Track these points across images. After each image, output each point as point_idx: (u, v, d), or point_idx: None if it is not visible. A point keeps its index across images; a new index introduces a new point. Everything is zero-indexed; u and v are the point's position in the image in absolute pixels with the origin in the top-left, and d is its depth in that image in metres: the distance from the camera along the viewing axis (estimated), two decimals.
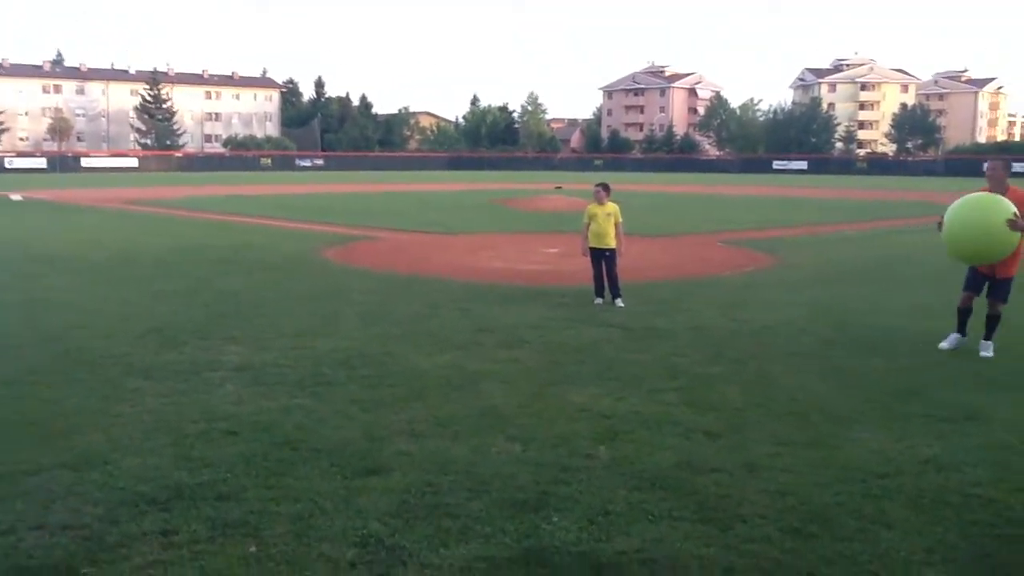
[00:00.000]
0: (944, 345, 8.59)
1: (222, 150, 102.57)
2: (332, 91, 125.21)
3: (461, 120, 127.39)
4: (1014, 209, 7.90)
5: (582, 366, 7.69)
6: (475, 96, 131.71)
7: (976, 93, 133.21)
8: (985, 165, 8.76)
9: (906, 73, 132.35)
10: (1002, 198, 8.10)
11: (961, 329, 8.63)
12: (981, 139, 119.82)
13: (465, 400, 6.57)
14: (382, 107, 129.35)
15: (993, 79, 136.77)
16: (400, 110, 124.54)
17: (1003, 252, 8.08)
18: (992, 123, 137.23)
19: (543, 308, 10.66)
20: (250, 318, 9.91)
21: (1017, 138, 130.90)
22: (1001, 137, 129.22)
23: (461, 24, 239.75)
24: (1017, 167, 79.95)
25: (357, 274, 14.08)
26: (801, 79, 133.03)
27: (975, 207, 8.21)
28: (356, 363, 7.71)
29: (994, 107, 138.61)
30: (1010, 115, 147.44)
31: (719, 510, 4.53)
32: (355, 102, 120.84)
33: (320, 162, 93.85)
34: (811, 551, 4.09)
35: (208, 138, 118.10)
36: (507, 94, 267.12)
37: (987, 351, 8.28)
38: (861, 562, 3.98)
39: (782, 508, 4.56)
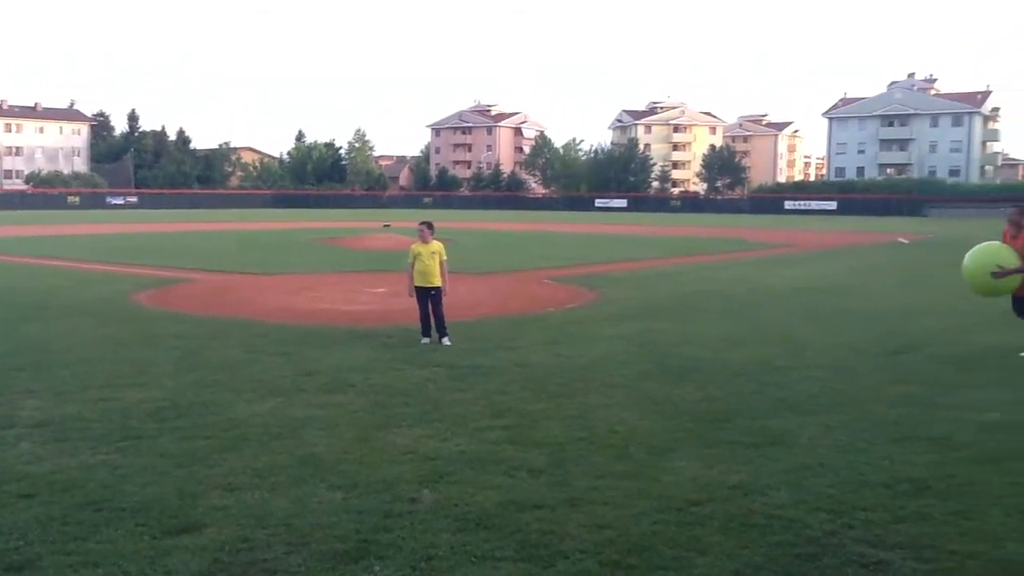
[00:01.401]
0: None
1: (24, 187, 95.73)
2: (147, 124, 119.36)
3: (286, 156, 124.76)
4: (999, 261, 9.77)
5: (407, 408, 7.63)
6: (300, 132, 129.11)
7: (776, 136, 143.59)
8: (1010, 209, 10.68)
9: (714, 116, 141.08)
10: (996, 248, 10.02)
11: None
12: (781, 179, 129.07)
13: (286, 449, 6.36)
14: (201, 142, 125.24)
15: (790, 123, 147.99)
16: (221, 145, 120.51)
17: (1004, 289, 10.02)
18: (791, 164, 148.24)
19: (369, 349, 10.53)
20: (52, 369, 9.23)
21: (812, 178, 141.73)
22: (798, 177, 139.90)
23: (284, 58, 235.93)
24: (814, 205, 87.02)
25: (171, 318, 13.42)
26: (619, 120, 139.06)
27: (971, 257, 10.18)
28: (168, 414, 7.32)
29: (791, 149, 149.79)
30: (805, 156, 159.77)
31: (541, 547, 4.58)
32: (172, 136, 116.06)
33: (133, 199, 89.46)
34: None
35: (8, 174, 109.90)
36: (334, 130, 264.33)
37: None
38: None
39: (602, 541, 4.66)
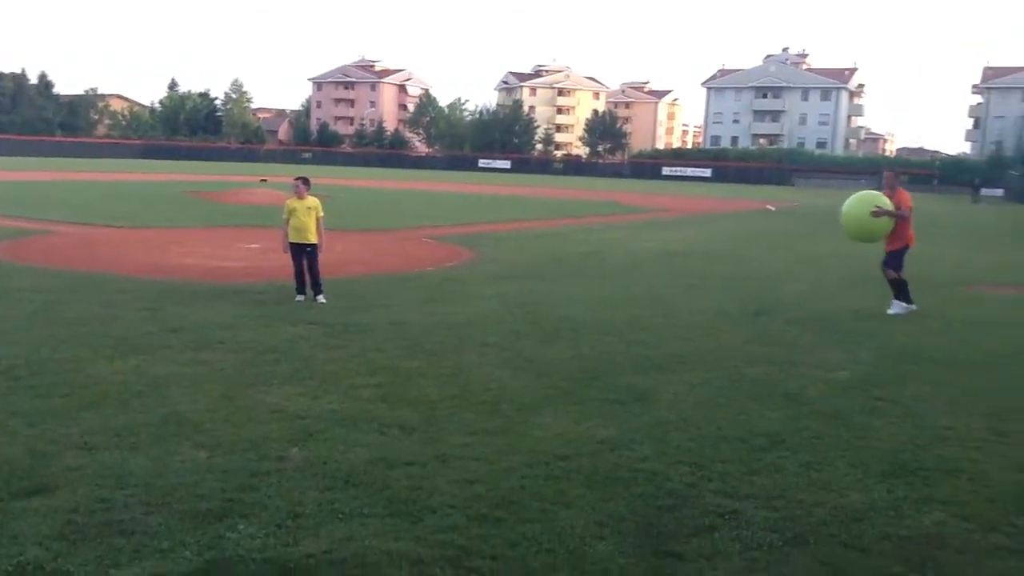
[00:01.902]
0: (893, 311, 11.08)
1: None
2: (4, 66, 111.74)
3: (157, 105, 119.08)
4: (878, 203, 10.85)
5: (278, 366, 7.48)
6: (173, 80, 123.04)
7: (656, 104, 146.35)
8: (884, 171, 12.56)
9: (597, 82, 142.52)
10: (877, 195, 11.19)
11: (907, 299, 11.20)
12: (660, 145, 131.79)
13: (147, 407, 6.14)
14: (65, 86, 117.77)
15: (671, 91, 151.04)
16: (87, 91, 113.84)
17: (875, 232, 11.01)
18: (669, 131, 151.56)
19: (239, 306, 10.25)
20: None
21: (690, 145, 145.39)
22: (676, 144, 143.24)
23: (156, 2, 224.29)
24: (690, 172, 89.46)
25: (27, 272, 12.70)
26: (505, 82, 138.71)
27: (851, 202, 11.27)
28: (21, 372, 6.96)
29: (671, 117, 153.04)
30: (684, 124, 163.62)
31: (409, 503, 4.59)
32: (32, 79, 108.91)
33: None
34: (497, 536, 4.26)
35: None
36: (209, 80, 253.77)
37: (894, 309, 11.03)
38: (541, 542, 4.21)
39: (470, 496, 4.72)
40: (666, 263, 16.82)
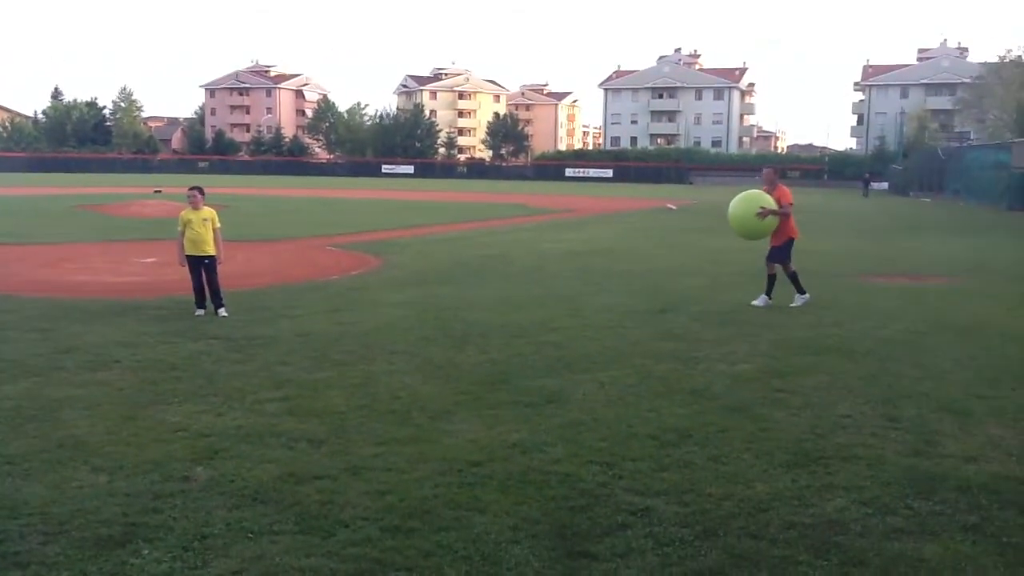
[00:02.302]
0: (756, 302, 11.53)
1: None
2: None
3: (41, 116, 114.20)
4: (763, 204, 11.20)
5: (179, 383, 7.25)
6: (57, 89, 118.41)
7: (556, 105, 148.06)
8: (763, 169, 12.49)
9: (497, 84, 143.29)
10: (761, 195, 11.43)
11: (799, 290, 11.66)
12: (562, 147, 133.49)
13: (41, 432, 5.87)
14: None
15: (569, 93, 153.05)
16: None
17: (762, 230, 11.36)
18: (570, 133, 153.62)
19: (137, 323, 9.90)
20: None
21: (591, 147, 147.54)
22: (578, 145, 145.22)
23: (38, 2, 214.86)
24: (592, 172, 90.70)
25: None
26: (404, 85, 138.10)
27: (737, 203, 11.52)
28: None
29: (571, 118, 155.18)
30: (584, 126, 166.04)
31: (321, 517, 4.51)
32: None
33: None
34: (411, 546, 4.22)
35: None
36: (96, 88, 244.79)
37: (796, 303, 11.45)
38: (456, 550, 4.20)
39: (383, 507, 4.66)
40: (571, 263, 17.00)
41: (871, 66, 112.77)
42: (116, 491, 4.84)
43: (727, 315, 10.93)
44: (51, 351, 8.41)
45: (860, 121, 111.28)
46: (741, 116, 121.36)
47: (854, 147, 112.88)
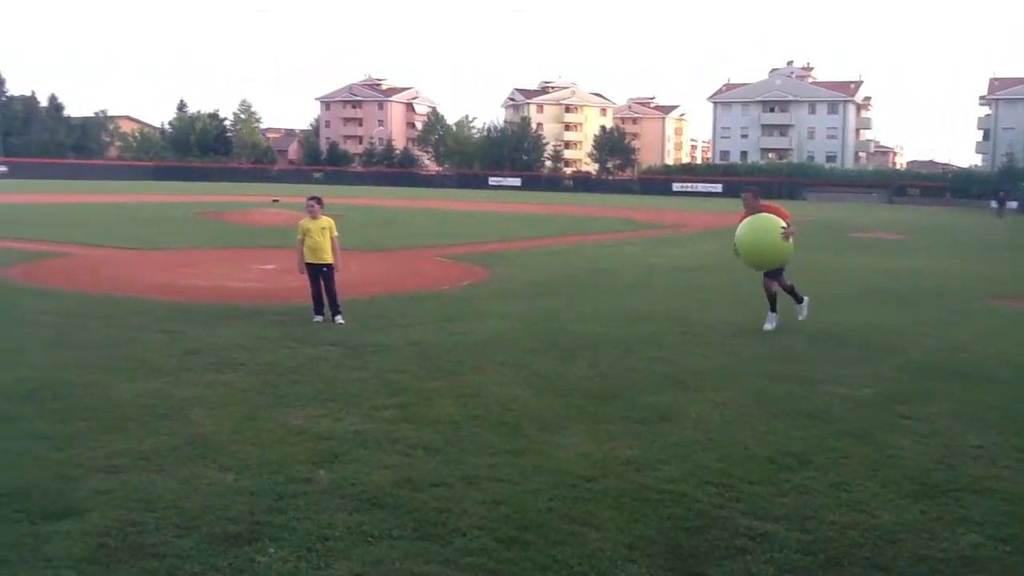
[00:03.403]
0: (767, 327, 10.88)
1: None
2: (15, 88, 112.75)
3: (167, 127, 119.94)
4: (782, 223, 10.44)
5: (299, 387, 7.48)
6: (182, 101, 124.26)
7: (663, 119, 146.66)
8: (742, 193, 11.52)
9: (604, 98, 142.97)
10: (770, 216, 10.62)
11: (797, 299, 11.18)
12: (669, 161, 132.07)
13: (171, 430, 6.15)
14: (75, 109, 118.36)
15: (677, 106, 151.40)
16: (97, 113, 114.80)
17: (788, 253, 10.71)
18: (678, 147, 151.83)
19: (258, 328, 10.26)
20: None
21: (699, 161, 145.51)
22: (685, 159, 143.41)
23: (167, 22, 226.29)
24: (701, 187, 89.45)
25: (45, 295, 12.76)
26: (512, 99, 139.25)
27: (751, 229, 10.66)
28: (44, 395, 6.97)
29: (679, 132, 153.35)
30: (692, 140, 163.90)
31: (438, 525, 4.58)
32: (43, 102, 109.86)
33: (3, 169, 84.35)
34: (526, 559, 4.24)
35: None
36: (218, 101, 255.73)
37: (801, 315, 11.08)
38: (571, 565, 4.19)
39: (498, 518, 4.70)
40: (679, 278, 16.79)
41: (998, 79, 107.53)
42: (242, 489, 5.02)
43: (845, 336, 10.59)
44: (178, 352, 8.80)
45: (986, 136, 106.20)
46: (857, 130, 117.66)
47: (979, 164, 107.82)
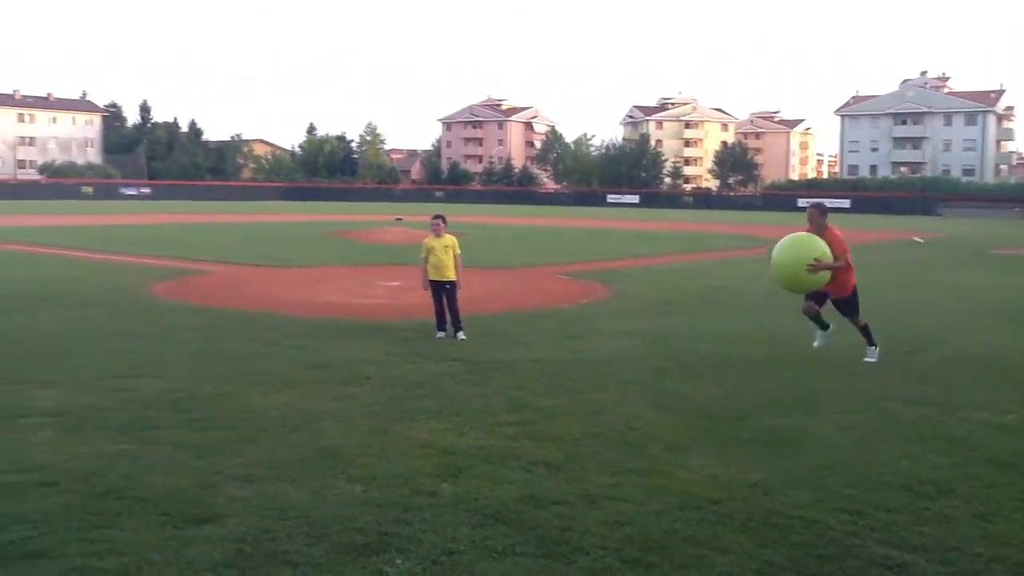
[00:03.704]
0: (816, 344, 10.19)
1: (38, 177, 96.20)
2: (159, 116, 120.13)
3: (297, 149, 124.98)
4: (817, 255, 9.38)
5: (423, 401, 7.63)
6: (312, 124, 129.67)
7: (788, 133, 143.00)
8: (807, 208, 10.28)
9: (725, 113, 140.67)
10: (813, 240, 9.55)
11: (822, 327, 10.15)
12: (794, 176, 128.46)
13: (303, 441, 6.37)
14: (213, 134, 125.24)
15: (803, 120, 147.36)
16: (232, 137, 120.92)
17: (812, 285, 9.60)
18: (803, 161, 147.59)
19: (383, 343, 10.53)
20: (67, 358, 9.27)
21: (825, 175, 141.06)
22: (811, 174, 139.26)
23: (298, 50, 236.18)
24: (828, 203, 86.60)
25: (185, 310, 13.46)
26: (630, 116, 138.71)
27: (787, 248, 9.72)
28: (185, 405, 7.34)
29: (804, 146, 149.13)
30: (818, 154, 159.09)
31: (561, 543, 4.57)
32: (184, 128, 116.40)
33: (147, 191, 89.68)
34: None
35: (22, 164, 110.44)
36: (345, 123, 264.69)
37: (870, 357, 9.79)
38: None
39: (622, 538, 4.65)
40: None
41: None
42: (370, 501, 5.15)
43: (986, 358, 10.03)
44: (309, 366, 9.12)
45: None
46: (998, 142, 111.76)
47: None
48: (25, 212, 49.64)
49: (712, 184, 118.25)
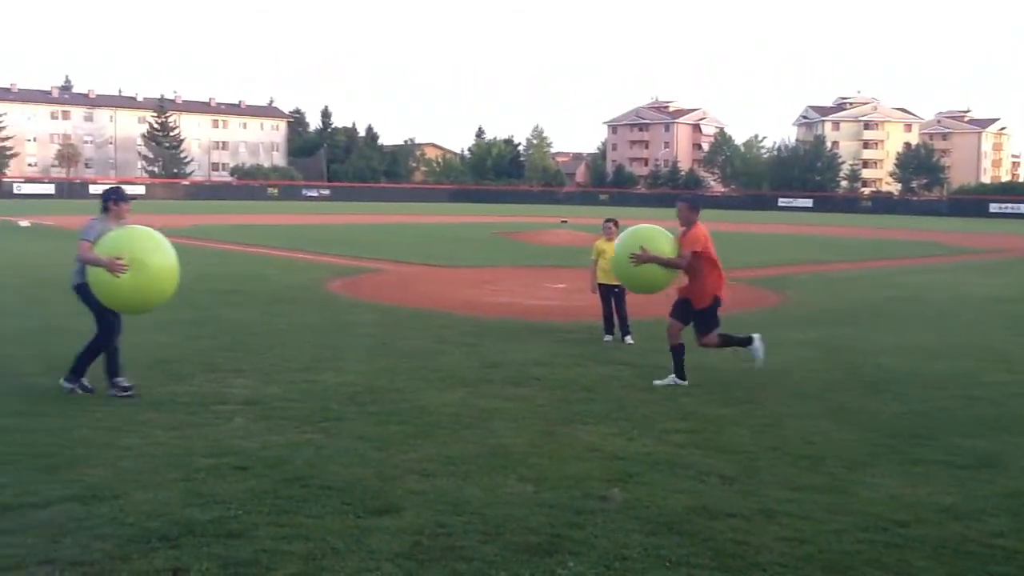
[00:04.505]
0: (756, 364, 8.66)
1: (229, 179, 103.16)
2: (338, 121, 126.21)
3: (466, 152, 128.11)
4: (646, 244, 8.38)
5: (592, 404, 7.64)
6: (480, 128, 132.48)
7: (979, 133, 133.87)
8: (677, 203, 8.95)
9: (909, 112, 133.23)
10: (655, 232, 8.65)
11: (741, 343, 8.71)
12: (986, 179, 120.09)
13: (475, 438, 6.51)
14: (388, 138, 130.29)
15: (996, 120, 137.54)
16: (406, 141, 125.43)
17: (647, 282, 8.75)
18: (996, 164, 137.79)
19: (551, 344, 10.62)
20: (257, 350, 9.88)
21: (1022, 179, 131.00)
22: (1005, 178, 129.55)
23: (467, 56, 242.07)
24: (1009, 208, 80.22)
25: (363, 307, 14.05)
26: (804, 116, 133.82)
27: (622, 238, 8.92)
28: (364, 398, 7.67)
29: (997, 148, 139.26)
30: (1013, 156, 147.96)
31: (737, 557, 4.45)
32: (361, 133, 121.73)
33: (326, 192, 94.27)
34: None
35: (215, 166, 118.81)
36: (512, 127, 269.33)
37: (662, 380, 8.43)
38: None
39: (801, 556, 4.48)
40: (998, 309, 15.19)
41: None
42: (542, 502, 5.19)
43: None
44: (479, 365, 9.31)
45: None
46: None
47: None
48: (218, 212, 53.32)
49: (893, 188, 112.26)
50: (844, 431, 6.96)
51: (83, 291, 7.68)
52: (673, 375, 8.49)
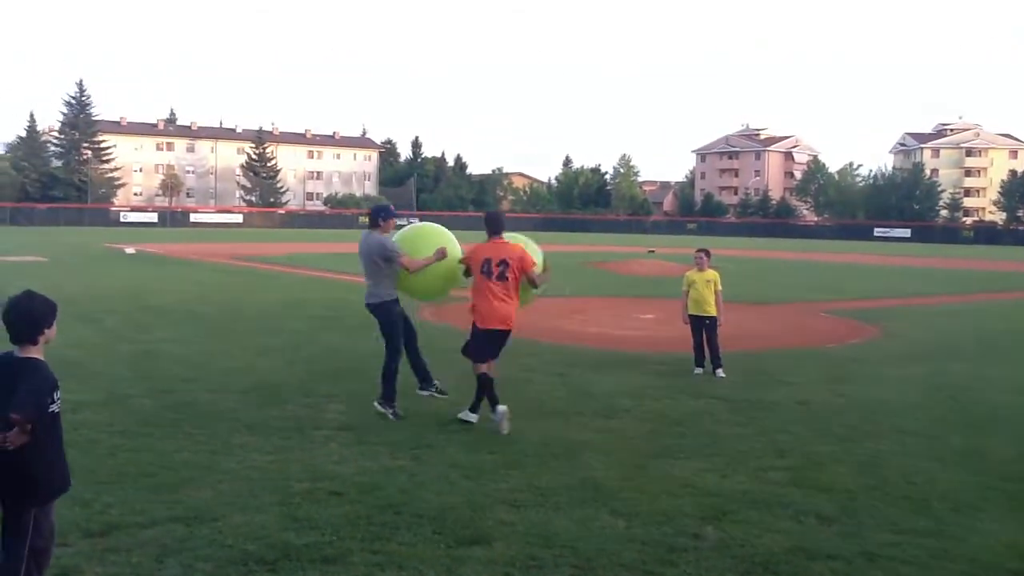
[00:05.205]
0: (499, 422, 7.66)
1: (323, 208, 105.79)
2: (428, 151, 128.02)
3: (554, 181, 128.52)
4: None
5: (683, 439, 7.51)
6: (568, 157, 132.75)
7: None
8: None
9: (1015, 139, 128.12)
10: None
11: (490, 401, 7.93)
12: None
13: (565, 470, 6.47)
14: (476, 167, 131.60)
15: None
16: (494, 171, 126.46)
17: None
18: None
19: (641, 376, 10.51)
20: (351, 376, 10.05)
21: None
22: None
23: (554, 86, 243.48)
24: None
25: (450, 333, 14.12)
26: (902, 144, 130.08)
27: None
28: (454, 426, 7.72)
29: None
30: None
31: None
32: (450, 162, 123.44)
33: (416, 221, 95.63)
34: None
35: (310, 196, 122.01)
36: (599, 155, 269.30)
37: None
38: None
39: None
40: None
41: None
42: (634, 537, 5.12)
43: None
44: (568, 395, 9.28)
45: None
46: None
47: None
48: (311, 240, 54.69)
49: (998, 217, 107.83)
50: (950, 472, 6.67)
51: (382, 309, 8.16)
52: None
